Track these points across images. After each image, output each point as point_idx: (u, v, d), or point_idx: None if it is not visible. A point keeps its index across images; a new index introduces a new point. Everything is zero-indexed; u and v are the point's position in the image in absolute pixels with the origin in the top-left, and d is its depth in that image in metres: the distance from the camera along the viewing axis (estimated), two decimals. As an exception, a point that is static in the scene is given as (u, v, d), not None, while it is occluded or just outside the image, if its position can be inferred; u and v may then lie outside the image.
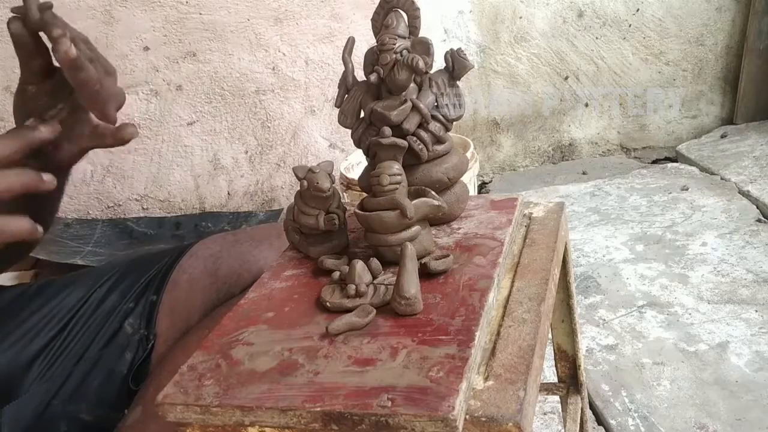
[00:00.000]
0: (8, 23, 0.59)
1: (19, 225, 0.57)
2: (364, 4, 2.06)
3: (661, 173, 2.19)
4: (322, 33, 2.08)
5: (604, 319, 1.43)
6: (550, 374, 1.19)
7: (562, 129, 2.41)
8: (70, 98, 0.64)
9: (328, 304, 0.59)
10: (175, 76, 2.03)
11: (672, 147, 2.43)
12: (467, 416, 0.47)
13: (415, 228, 0.62)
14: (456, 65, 0.69)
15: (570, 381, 0.91)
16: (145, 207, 2.14)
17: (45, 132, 0.60)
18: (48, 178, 0.58)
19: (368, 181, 0.64)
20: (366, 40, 0.71)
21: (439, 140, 0.69)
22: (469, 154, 1.63)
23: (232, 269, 0.88)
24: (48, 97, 0.64)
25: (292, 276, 0.67)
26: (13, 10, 0.59)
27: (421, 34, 0.69)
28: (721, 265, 1.57)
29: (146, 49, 1.98)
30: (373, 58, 0.69)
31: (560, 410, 1.09)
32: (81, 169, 1.98)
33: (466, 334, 0.52)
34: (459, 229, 0.70)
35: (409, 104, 0.66)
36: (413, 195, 0.63)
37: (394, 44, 0.66)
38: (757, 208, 1.82)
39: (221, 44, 2.02)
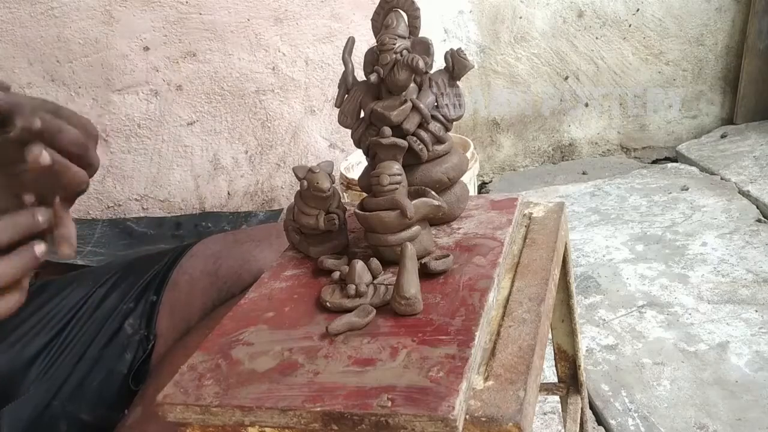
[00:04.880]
0: None
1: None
2: (364, 4, 2.06)
3: (661, 173, 2.19)
4: (322, 33, 2.08)
5: (604, 319, 1.43)
6: (550, 374, 1.19)
7: (562, 129, 2.40)
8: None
9: (328, 304, 0.59)
10: (175, 76, 2.03)
11: (672, 147, 2.43)
12: (467, 416, 0.47)
13: (415, 228, 0.62)
14: (456, 65, 0.69)
15: (570, 381, 0.91)
16: (145, 207, 2.14)
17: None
18: (40, 251, 0.51)
19: (368, 181, 0.64)
20: (366, 40, 0.71)
21: (439, 140, 0.69)
22: (469, 154, 1.63)
23: (232, 269, 0.87)
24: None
25: (292, 276, 0.67)
26: None
27: (421, 34, 0.69)
28: (721, 265, 1.57)
29: (146, 49, 1.98)
30: (373, 58, 0.69)
31: (560, 410, 1.09)
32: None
33: (466, 334, 0.52)
34: (459, 229, 0.70)
35: (409, 104, 0.66)
36: (413, 195, 0.63)
37: (394, 44, 0.66)
38: (757, 208, 1.82)
39: (221, 44, 2.02)
